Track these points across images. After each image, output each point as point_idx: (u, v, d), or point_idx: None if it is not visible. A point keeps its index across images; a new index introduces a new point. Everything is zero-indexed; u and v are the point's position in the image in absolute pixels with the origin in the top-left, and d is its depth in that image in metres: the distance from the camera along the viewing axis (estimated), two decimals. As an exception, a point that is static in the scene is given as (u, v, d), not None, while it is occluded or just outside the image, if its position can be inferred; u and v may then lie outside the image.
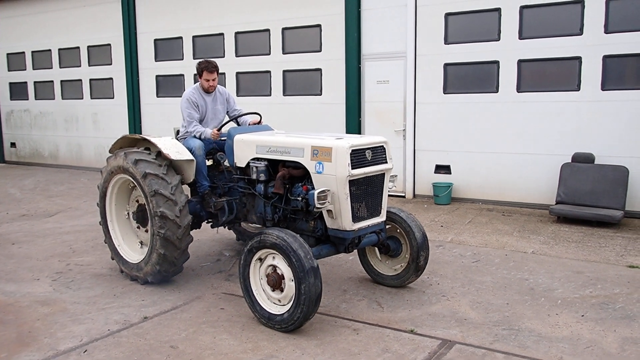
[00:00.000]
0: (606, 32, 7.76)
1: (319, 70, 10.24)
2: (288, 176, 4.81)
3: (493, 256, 6.17)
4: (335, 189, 4.42)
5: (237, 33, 11.10)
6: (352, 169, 4.41)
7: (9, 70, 15.17)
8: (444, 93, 9.09)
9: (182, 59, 11.92)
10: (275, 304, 4.36)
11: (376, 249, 5.24)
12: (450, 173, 9.19)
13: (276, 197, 4.89)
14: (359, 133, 9.72)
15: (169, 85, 12.29)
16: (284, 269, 4.20)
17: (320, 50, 10.17)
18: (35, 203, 9.76)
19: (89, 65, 13.53)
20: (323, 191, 4.35)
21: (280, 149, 4.83)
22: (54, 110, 14.47)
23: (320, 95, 10.30)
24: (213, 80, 5.81)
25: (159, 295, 5.12)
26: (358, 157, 4.48)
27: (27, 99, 14.97)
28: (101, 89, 13.46)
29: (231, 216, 5.57)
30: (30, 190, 11.16)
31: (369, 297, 5.00)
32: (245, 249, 4.40)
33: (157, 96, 12.52)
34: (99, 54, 13.30)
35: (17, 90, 15.16)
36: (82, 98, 13.82)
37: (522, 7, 8.29)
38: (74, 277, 5.69)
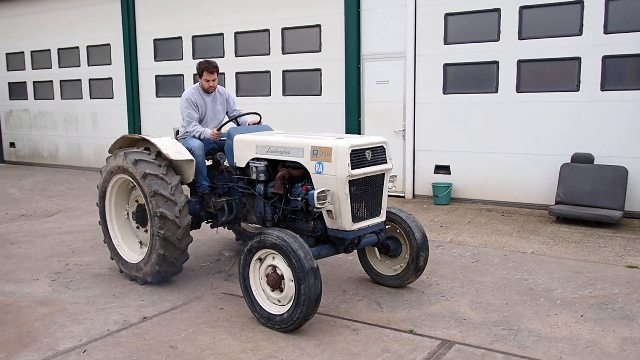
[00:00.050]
0: (605, 32, 7.77)
1: (319, 70, 10.24)
2: (288, 176, 4.81)
3: (492, 256, 6.18)
4: (335, 189, 4.42)
5: (236, 33, 11.10)
6: (352, 169, 4.41)
7: (8, 70, 15.16)
8: (444, 93, 9.10)
9: (182, 59, 11.92)
10: (275, 304, 4.35)
11: (376, 249, 5.24)
12: (449, 173, 9.19)
13: (276, 197, 4.89)
14: (359, 133, 9.72)
15: (168, 85, 12.29)
16: (284, 269, 4.20)
17: (319, 51, 10.17)
18: (34, 203, 9.76)
19: (89, 65, 13.52)
20: (323, 191, 4.35)
21: (280, 149, 4.83)
22: (53, 110, 14.46)
23: (320, 95, 10.30)
24: (213, 80, 5.81)
25: (159, 295, 5.12)
26: (358, 157, 4.48)
27: (27, 99, 14.96)
28: (100, 88, 13.45)
29: (231, 216, 5.57)
30: (29, 190, 11.15)
31: (369, 297, 5.00)
32: (245, 249, 4.40)
33: (157, 96, 12.51)
34: (99, 53, 13.30)
35: (17, 90, 15.15)
36: (82, 98, 13.82)
37: (522, 8, 8.30)
38: (73, 277, 5.69)
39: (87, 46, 13.45)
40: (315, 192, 4.33)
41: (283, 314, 4.22)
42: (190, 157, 5.33)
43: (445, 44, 8.97)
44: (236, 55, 11.18)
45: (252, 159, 5.06)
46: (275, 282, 4.26)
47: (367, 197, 4.66)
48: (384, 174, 4.77)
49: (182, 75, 11.97)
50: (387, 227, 5.07)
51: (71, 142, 14.25)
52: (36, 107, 14.81)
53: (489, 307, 4.73)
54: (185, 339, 4.19)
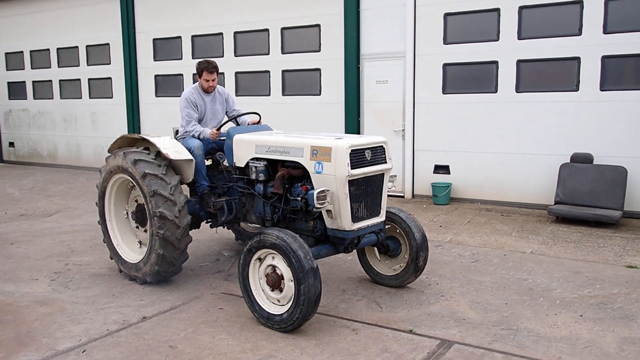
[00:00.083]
0: (605, 32, 7.77)
1: (318, 70, 10.24)
2: (287, 176, 4.81)
3: (492, 256, 6.18)
4: (334, 189, 4.42)
5: (236, 33, 11.10)
6: (352, 169, 4.41)
7: (7, 70, 15.14)
8: (443, 93, 9.10)
9: (181, 59, 11.91)
10: (275, 303, 4.35)
11: (375, 249, 5.24)
12: (449, 173, 9.20)
13: (275, 197, 4.89)
14: (358, 133, 9.72)
15: (167, 85, 12.28)
16: (284, 269, 4.20)
17: (319, 50, 10.17)
18: (33, 203, 9.75)
19: (88, 65, 13.51)
20: (322, 191, 4.35)
21: (279, 148, 4.83)
22: (52, 109, 14.45)
23: (319, 95, 10.30)
24: (213, 80, 5.81)
25: (158, 295, 5.12)
26: (357, 157, 4.48)
27: (26, 99, 14.94)
28: (100, 88, 13.44)
29: (230, 216, 5.57)
30: (28, 189, 11.14)
31: (368, 297, 5.00)
32: (245, 248, 4.40)
33: (156, 96, 12.51)
34: (98, 53, 13.29)
35: (16, 90, 15.14)
36: (81, 97, 13.81)
37: (521, 8, 8.30)
38: (73, 276, 5.68)
39: (87, 46, 13.44)
40: (315, 192, 4.33)
41: (282, 313, 4.22)
42: (190, 156, 5.33)
43: (444, 43, 8.97)
44: (235, 55, 11.17)
45: (252, 159, 5.06)
46: (274, 282, 4.26)
47: (367, 197, 4.66)
48: (383, 173, 4.77)
49: (182, 75, 11.96)
50: (386, 227, 5.07)
51: (70, 141, 14.24)
52: (35, 107, 14.79)
53: (488, 307, 4.73)
54: (184, 339, 4.19)
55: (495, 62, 8.61)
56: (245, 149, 5.13)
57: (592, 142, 7.99)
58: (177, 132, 6.00)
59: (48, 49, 14.13)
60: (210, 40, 11.46)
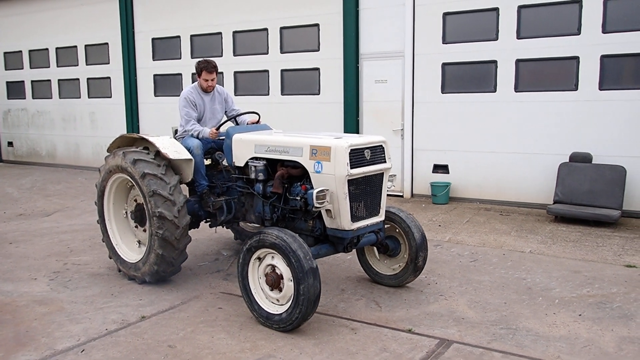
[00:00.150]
0: (604, 32, 7.78)
1: (317, 69, 10.23)
2: (287, 175, 4.81)
3: (491, 255, 6.18)
4: (334, 188, 4.42)
5: (235, 32, 11.09)
6: (351, 168, 4.41)
7: (6, 69, 15.12)
8: (442, 92, 9.10)
9: (180, 58, 11.91)
10: (274, 303, 4.35)
11: (375, 248, 5.24)
12: (448, 172, 9.20)
13: (275, 196, 4.89)
14: (357, 132, 9.72)
15: (166, 85, 12.27)
16: (283, 268, 4.20)
17: (318, 50, 10.17)
18: (32, 202, 9.74)
19: (87, 65, 13.50)
20: (322, 190, 4.35)
21: (278, 148, 4.83)
22: (51, 109, 14.43)
23: (319, 94, 10.30)
24: (212, 80, 5.80)
25: (157, 294, 5.12)
26: (357, 157, 4.48)
27: (25, 98, 14.93)
28: (99, 88, 13.43)
29: (229, 216, 5.57)
30: (27, 189, 11.13)
31: (367, 297, 5.00)
32: (244, 247, 4.40)
33: (155, 95, 12.50)
34: (97, 53, 13.28)
35: (15, 89, 15.12)
36: (80, 97, 13.79)
37: (520, 7, 8.30)
38: (72, 276, 5.68)
39: (85, 45, 13.42)
40: (314, 192, 4.33)
41: (282, 313, 4.22)
42: (189, 156, 5.32)
43: (443, 43, 8.97)
44: (234, 55, 11.17)
45: (251, 158, 5.06)
46: (274, 281, 4.26)
47: (366, 196, 4.66)
48: (383, 173, 4.77)
49: (181, 74, 11.95)
50: (386, 226, 5.07)
51: (69, 141, 14.22)
52: (34, 106, 14.78)
53: (487, 307, 4.74)
54: (183, 339, 4.19)
55: (494, 62, 8.61)
56: (244, 149, 5.13)
57: (591, 142, 8.00)
58: (176, 131, 6.00)
59: (47, 49, 14.11)
60: (209, 40, 11.45)
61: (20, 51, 14.67)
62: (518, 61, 8.43)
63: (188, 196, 5.63)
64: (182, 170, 5.33)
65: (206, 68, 5.73)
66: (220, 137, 5.63)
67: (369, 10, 9.55)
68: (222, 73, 10.87)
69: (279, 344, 4.06)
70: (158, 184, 5.00)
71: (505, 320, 4.45)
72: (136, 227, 5.62)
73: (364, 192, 4.63)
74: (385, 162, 4.76)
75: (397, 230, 5.10)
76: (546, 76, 8.38)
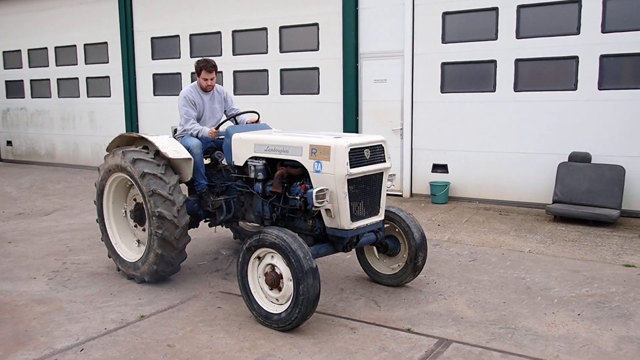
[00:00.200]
0: (603, 31, 7.78)
1: (317, 69, 10.23)
2: (286, 175, 4.80)
3: (490, 255, 6.19)
4: (333, 188, 4.42)
5: (234, 31, 11.09)
6: (351, 168, 4.41)
7: (5, 68, 15.11)
8: (442, 92, 9.10)
9: (179, 58, 11.90)
10: (273, 302, 4.35)
11: (374, 248, 5.24)
12: (447, 172, 9.20)
13: (274, 196, 4.89)
14: (357, 132, 9.72)
15: (166, 84, 12.26)
16: (283, 268, 4.20)
17: (317, 49, 10.17)
18: (31, 201, 9.73)
19: (86, 64, 13.49)
20: (321, 190, 4.35)
21: (278, 147, 4.83)
22: (50, 108, 14.42)
23: (318, 94, 10.30)
24: (211, 79, 5.80)
25: (156, 294, 5.11)
26: (356, 156, 4.48)
27: (24, 97, 14.92)
28: (98, 87, 13.42)
29: (229, 215, 5.56)
30: (26, 188, 11.12)
31: (366, 296, 5.00)
32: (244, 247, 4.40)
33: (154, 95, 12.49)
34: (96, 52, 13.26)
35: (14, 88, 15.11)
36: (79, 96, 13.78)
37: (520, 7, 8.30)
38: (71, 275, 5.68)
39: (85, 44, 13.41)
40: (314, 191, 4.33)
41: (281, 313, 4.22)
42: (189, 155, 5.32)
43: (443, 42, 8.98)
44: (234, 54, 11.16)
45: (251, 158, 5.06)
46: (273, 281, 4.26)
47: (366, 196, 4.66)
48: (382, 172, 4.77)
49: (180, 73, 11.95)
50: (386, 226, 5.08)
51: (68, 140, 14.21)
52: (33, 106, 14.77)
53: (487, 306, 4.74)
54: (182, 338, 4.19)
55: (494, 61, 8.61)
56: (244, 148, 5.13)
57: (590, 141, 8.00)
58: (175, 130, 6.00)
59: (46, 48, 14.10)
60: (209, 39, 11.44)
61: (20, 50, 14.65)
62: (517, 61, 8.44)
63: (187, 195, 5.62)
64: (182, 170, 5.33)
65: (206, 67, 5.73)
66: (220, 137, 5.63)
67: (368, 10, 9.55)
68: (221, 72, 10.87)
69: (278, 343, 4.07)
70: (157, 183, 4.99)
71: (504, 320, 4.45)
72: (135, 226, 5.61)
73: (364, 192, 4.63)
74: (384, 161, 4.76)
75: (397, 229, 5.10)
76: (545, 76, 8.38)
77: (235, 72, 11.22)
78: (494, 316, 4.53)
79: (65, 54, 13.78)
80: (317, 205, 4.35)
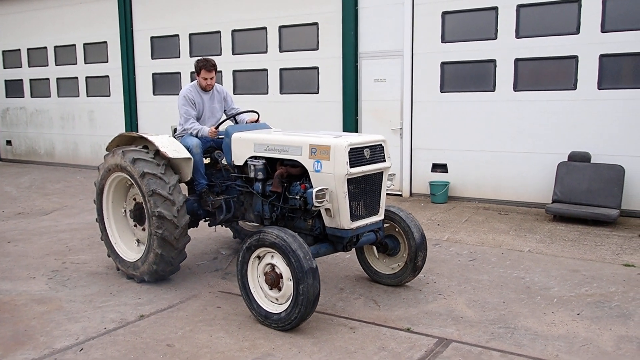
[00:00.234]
0: (602, 31, 7.78)
1: (316, 68, 10.23)
2: (286, 174, 4.81)
3: (489, 255, 6.19)
4: (333, 187, 4.42)
5: (234, 31, 11.08)
6: (351, 167, 4.41)
7: (4, 68, 15.10)
8: (441, 92, 9.10)
9: (179, 57, 11.90)
10: (273, 302, 4.35)
11: (374, 247, 5.24)
12: (446, 172, 9.21)
13: (274, 195, 4.89)
14: (356, 131, 9.71)
15: (165, 83, 12.26)
16: (283, 268, 4.20)
17: (317, 49, 10.16)
18: (31, 201, 9.73)
19: (85, 63, 13.48)
20: (321, 189, 4.35)
21: (278, 147, 4.82)
22: (50, 107, 14.41)
23: (318, 93, 10.29)
24: (211, 79, 5.80)
25: (156, 293, 5.11)
26: (356, 156, 4.48)
27: (23, 97, 14.91)
28: (97, 86, 13.41)
29: (229, 215, 5.56)
30: (26, 188, 11.12)
31: (366, 296, 5.00)
32: (244, 246, 4.40)
33: (154, 94, 12.48)
34: (95, 51, 13.26)
35: (13, 88, 15.10)
36: (79, 96, 13.78)
37: (519, 6, 8.30)
38: (70, 275, 5.67)
39: (84, 44, 13.40)
40: (314, 191, 4.32)
41: (281, 312, 4.22)
42: (188, 155, 5.32)
43: (442, 42, 8.97)
44: (233, 53, 11.16)
45: (250, 157, 5.06)
46: (273, 280, 4.26)
47: (366, 195, 4.66)
48: (382, 172, 4.77)
49: (179, 73, 11.94)
50: (385, 225, 5.07)
51: (68, 140, 14.21)
52: (33, 105, 14.76)
53: (486, 306, 4.74)
54: (182, 337, 4.19)
55: (493, 61, 8.61)
56: (243, 148, 5.13)
57: (589, 141, 8.01)
58: (175, 130, 5.99)
59: (45, 47, 14.09)
60: (208, 39, 11.44)
61: (19, 49, 14.64)
62: (517, 60, 8.44)
63: (187, 195, 5.62)
64: (182, 169, 5.33)
65: (205, 67, 5.73)
66: (220, 136, 5.62)
67: (368, 9, 9.55)
68: (221, 72, 10.86)
69: (278, 342, 4.07)
70: (157, 183, 4.99)
71: (503, 319, 4.45)
72: (135, 226, 5.61)
73: (364, 191, 4.63)
74: (384, 161, 4.76)
75: (397, 229, 5.10)
76: (545, 75, 8.38)
77: (234, 71, 11.21)
78: (493, 316, 4.53)
79: (65, 54, 13.77)
80: (317, 204, 4.35)
